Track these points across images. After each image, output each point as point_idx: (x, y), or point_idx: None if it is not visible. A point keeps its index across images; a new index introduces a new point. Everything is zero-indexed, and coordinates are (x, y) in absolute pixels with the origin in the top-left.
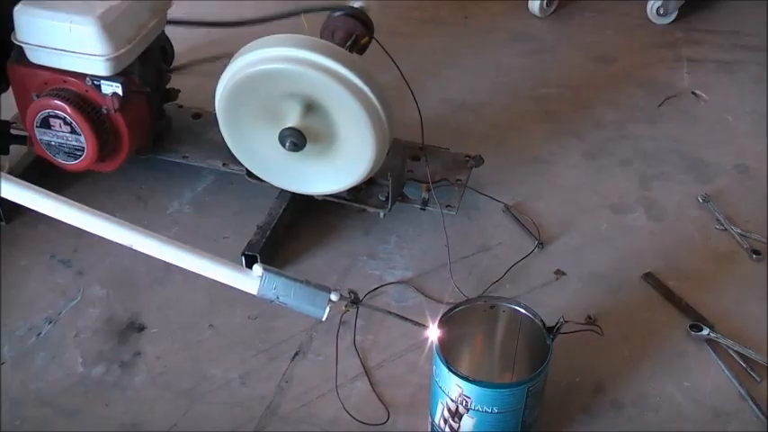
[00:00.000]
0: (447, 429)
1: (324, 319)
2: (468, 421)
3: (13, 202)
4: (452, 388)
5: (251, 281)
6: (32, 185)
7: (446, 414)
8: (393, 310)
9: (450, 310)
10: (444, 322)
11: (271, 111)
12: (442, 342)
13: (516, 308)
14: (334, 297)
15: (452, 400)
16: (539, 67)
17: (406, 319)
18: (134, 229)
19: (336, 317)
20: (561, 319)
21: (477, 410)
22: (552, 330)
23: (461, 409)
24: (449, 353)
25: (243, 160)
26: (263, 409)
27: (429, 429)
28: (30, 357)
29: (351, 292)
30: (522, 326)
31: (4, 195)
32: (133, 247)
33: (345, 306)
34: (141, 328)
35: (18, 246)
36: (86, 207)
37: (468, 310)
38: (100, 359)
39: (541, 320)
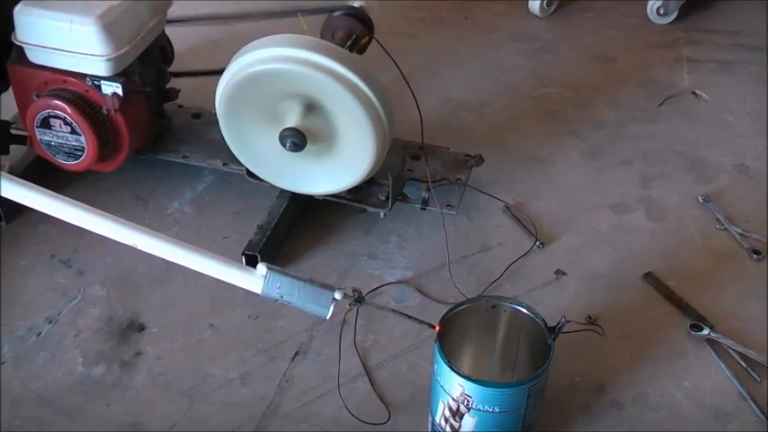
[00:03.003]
0: (448, 429)
1: (328, 317)
2: (469, 420)
3: (14, 202)
4: (454, 387)
5: (255, 280)
6: (34, 185)
7: (447, 413)
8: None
9: (452, 309)
10: (446, 322)
11: (271, 111)
12: (443, 341)
13: (517, 307)
14: (338, 295)
15: (454, 400)
16: (539, 67)
17: (410, 317)
18: (138, 228)
19: (337, 316)
20: (563, 319)
21: (479, 410)
22: (554, 330)
23: (462, 408)
24: (450, 352)
25: (243, 160)
26: (264, 409)
27: (430, 429)
28: (30, 357)
29: (354, 290)
30: (523, 325)
31: (4, 195)
32: (137, 247)
33: (349, 304)
34: (141, 328)
35: (18, 246)
36: (90, 207)
37: (470, 310)
38: (100, 359)
39: (543, 320)
